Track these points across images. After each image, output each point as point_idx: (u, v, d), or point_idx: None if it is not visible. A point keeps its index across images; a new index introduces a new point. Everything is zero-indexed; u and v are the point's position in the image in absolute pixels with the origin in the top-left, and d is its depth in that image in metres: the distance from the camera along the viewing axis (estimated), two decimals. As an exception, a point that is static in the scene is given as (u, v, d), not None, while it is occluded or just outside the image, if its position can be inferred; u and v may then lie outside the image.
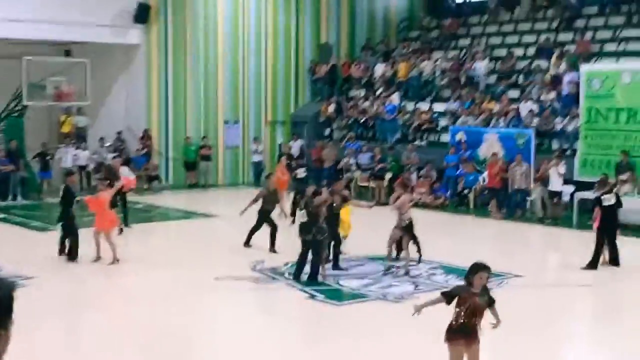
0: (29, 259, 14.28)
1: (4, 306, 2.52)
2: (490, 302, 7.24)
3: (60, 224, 14.40)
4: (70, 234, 14.22)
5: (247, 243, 15.35)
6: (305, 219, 12.77)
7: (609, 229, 13.86)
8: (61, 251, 14.34)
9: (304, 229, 12.77)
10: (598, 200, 14.13)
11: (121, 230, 16.34)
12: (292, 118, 28.08)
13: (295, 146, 25.93)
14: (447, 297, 7.20)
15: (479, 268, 7.15)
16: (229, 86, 26.72)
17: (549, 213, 19.43)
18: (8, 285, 2.55)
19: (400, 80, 26.68)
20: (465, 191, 21.40)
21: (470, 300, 7.03)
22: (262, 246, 15.02)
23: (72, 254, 14.13)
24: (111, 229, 14.25)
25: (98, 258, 14.03)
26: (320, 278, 12.76)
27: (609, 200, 13.89)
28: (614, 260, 13.94)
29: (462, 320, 7.09)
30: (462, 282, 7.48)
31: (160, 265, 14.11)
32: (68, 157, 23.20)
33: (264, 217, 15.25)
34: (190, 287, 12.58)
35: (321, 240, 12.69)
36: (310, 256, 12.78)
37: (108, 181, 15.45)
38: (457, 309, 7.11)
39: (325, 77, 28.10)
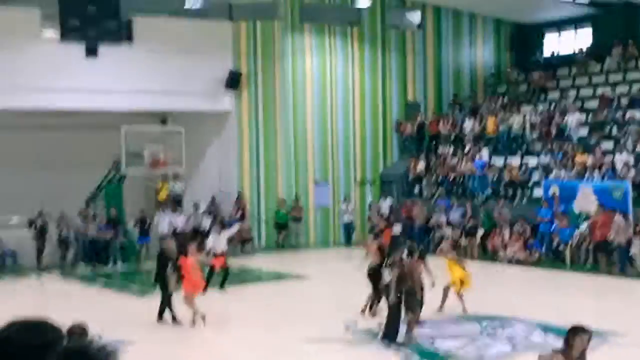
0: (128, 324, 14.64)
1: None
2: None
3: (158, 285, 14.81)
4: (162, 295, 14.61)
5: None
6: (389, 279, 12.71)
7: None
8: (160, 315, 14.70)
9: (387, 289, 12.75)
10: None
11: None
12: (381, 177, 28.17)
13: (385, 205, 25.95)
14: None
15: (579, 331, 6.85)
16: (319, 147, 27.10)
17: (651, 268, 18.76)
18: (109, 355, 2.66)
19: (489, 136, 26.51)
20: (561, 246, 20.89)
21: None
22: (355, 306, 14.97)
23: (161, 315, 14.52)
24: (194, 293, 14.46)
25: (195, 321, 14.31)
26: (405, 340, 12.61)
27: None
28: None
29: None
30: (560, 345, 7.25)
31: (253, 327, 14.25)
32: (165, 222, 23.84)
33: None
34: (283, 348, 12.65)
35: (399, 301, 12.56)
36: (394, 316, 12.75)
37: (197, 244, 15.84)
38: None
39: (413, 135, 28.19)
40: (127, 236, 23.73)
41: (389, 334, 12.61)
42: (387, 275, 12.83)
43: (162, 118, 27.74)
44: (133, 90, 23.67)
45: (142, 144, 24.42)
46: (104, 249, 22.79)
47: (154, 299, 15.48)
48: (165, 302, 14.60)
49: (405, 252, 13.33)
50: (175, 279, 14.63)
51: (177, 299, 14.57)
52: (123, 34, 23.73)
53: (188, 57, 24.50)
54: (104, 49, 23.13)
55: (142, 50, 23.85)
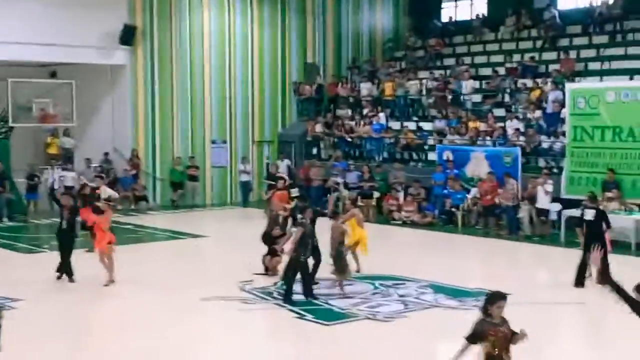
0: (16, 281, 14.18)
1: None
2: (512, 333, 6.84)
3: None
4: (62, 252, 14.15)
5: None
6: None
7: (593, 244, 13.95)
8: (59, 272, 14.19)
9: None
10: (581, 215, 14.30)
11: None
12: (279, 137, 28.12)
13: (283, 166, 25.92)
14: (473, 339, 6.74)
15: (497, 298, 6.80)
16: (216, 106, 26.76)
17: (537, 231, 19.52)
18: None
19: (386, 100, 26.83)
20: (453, 209, 21.47)
21: (496, 332, 6.66)
22: (251, 265, 14.95)
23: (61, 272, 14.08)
24: (111, 248, 14.06)
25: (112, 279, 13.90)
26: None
27: (588, 215, 14.03)
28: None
29: (494, 354, 6.65)
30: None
31: (147, 287, 14.03)
32: (55, 178, 23.09)
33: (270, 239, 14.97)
34: (178, 308, 12.51)
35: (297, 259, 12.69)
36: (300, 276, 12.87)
37: (109, 202, 15.44)
38: (486, 344, 6.67)
39: (312, 97, 28.22)
40: (15, 192, 22.85)
41: (286, 295, 12.67)
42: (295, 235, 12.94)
43: (52, 71, 26.69)
44: (20, 41, 22.59)
45: (30, 97, 23.48)
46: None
47: (43, 257, 15.03)
48: (65, 260, 14.12)
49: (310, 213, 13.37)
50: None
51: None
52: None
53: (80, 8, 23.57)
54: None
55: (31, 0, 22.83)
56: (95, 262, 14.04)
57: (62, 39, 23.24)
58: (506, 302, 6.87)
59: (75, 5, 23.41)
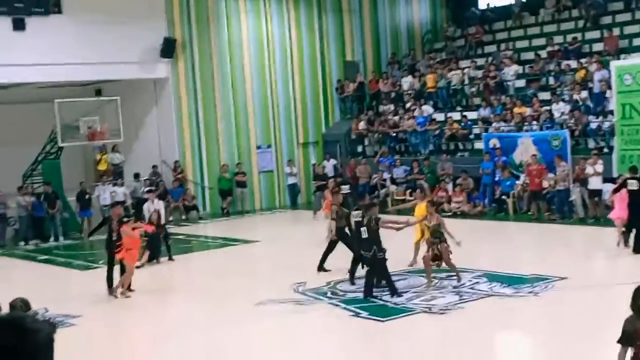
0: (74, 298, 14.41)
1: (44, 350, 2.52)
2: None
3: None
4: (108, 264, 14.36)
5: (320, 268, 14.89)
6: (366, 236, 12.77)
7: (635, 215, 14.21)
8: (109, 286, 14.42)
9: (365, 246, 12.81)
10: (624, 184, 14.62)
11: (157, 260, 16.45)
12: (324, 138, 28.11)
13: (329, 166, 25.93)
14: (627, 340, 6.15)
15: None
16: (259, 111, 26.86)
17: (590, 212, 19.16)
18: (48, 328, 2.55)
19: (429, 92, 26.62)
20: (503, 197, 21.19)
21: None
22: (303, 267, 14.97)
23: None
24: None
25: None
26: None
27: (632, 185, 14.17)
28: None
29: None
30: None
31: (203, 294, 14.14)
32: (106, 194, 23.42)
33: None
34: (234, 313, 12.58)
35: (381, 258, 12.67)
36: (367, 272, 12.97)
37: (132, 217, 15.68)
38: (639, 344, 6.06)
39: (354, 95, 28.16)
40: (68, 210, 23.25)
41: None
42: (363, 233, 12.88)
43: (97, 89, 27.11)
44: (65, 62, 23.00)
45: (77, 116, 23.87)
46: (44, 224, 22.27)
47: (98, 273, 15.24)
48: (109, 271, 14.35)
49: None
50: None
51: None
52: (51, 5, 23.09)
53: (120, 25, 23.87)
54: (32, 22, 22.48)
55: (72, 21, 23.24)
56: (147, 274, 14.19)
57: (104, 57, 23.57)
58: None
59: (115, 23, 23.70)
